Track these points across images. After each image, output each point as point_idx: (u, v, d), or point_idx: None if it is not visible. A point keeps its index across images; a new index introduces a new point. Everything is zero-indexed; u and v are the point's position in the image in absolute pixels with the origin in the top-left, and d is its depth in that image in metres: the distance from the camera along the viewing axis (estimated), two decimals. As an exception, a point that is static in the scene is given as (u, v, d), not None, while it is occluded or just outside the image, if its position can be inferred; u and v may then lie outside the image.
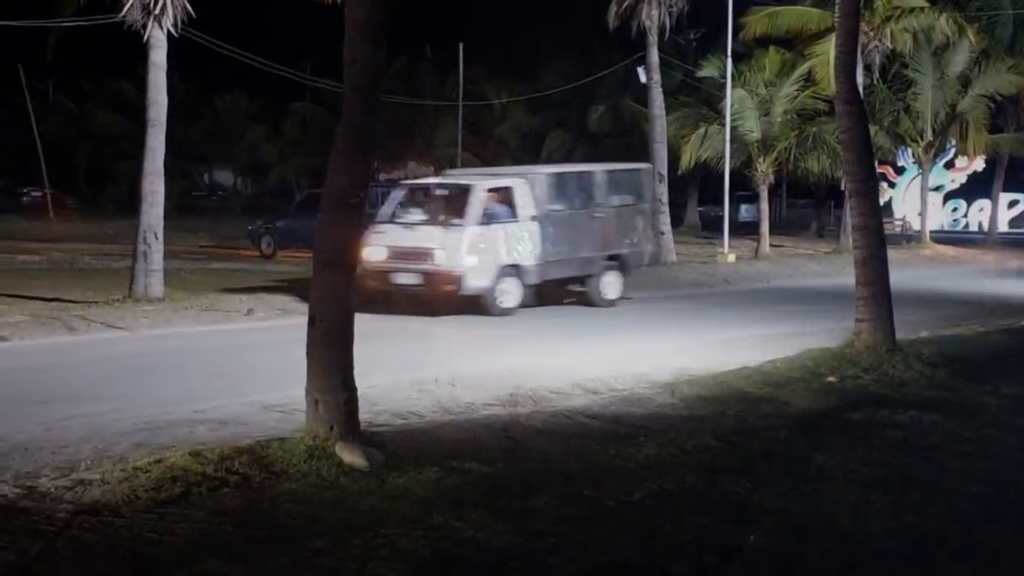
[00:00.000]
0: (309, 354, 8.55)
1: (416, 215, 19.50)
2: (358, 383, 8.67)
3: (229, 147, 59.74)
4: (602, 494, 7.45)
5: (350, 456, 8.06)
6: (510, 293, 18.65)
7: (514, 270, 18.70)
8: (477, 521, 6.73)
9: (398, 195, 20.52)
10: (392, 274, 18.40)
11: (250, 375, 12.74)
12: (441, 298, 18.29)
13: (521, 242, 18.77)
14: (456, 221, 18.51)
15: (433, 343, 15.93)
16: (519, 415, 10.26)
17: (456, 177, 21.87)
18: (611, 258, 20.48)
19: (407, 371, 12.56)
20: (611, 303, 20.14)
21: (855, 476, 7.95)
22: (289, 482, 7.60)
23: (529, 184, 19.25)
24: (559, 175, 20.76)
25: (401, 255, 18.41)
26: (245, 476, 7.65)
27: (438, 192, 20.37)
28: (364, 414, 8.98)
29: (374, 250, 18.13)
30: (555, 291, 20.05)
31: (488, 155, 56.35)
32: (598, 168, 22.12)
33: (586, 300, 20.18)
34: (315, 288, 8.67)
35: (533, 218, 19.08)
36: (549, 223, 19.32)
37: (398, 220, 19.34)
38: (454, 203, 19.06)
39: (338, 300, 8.59)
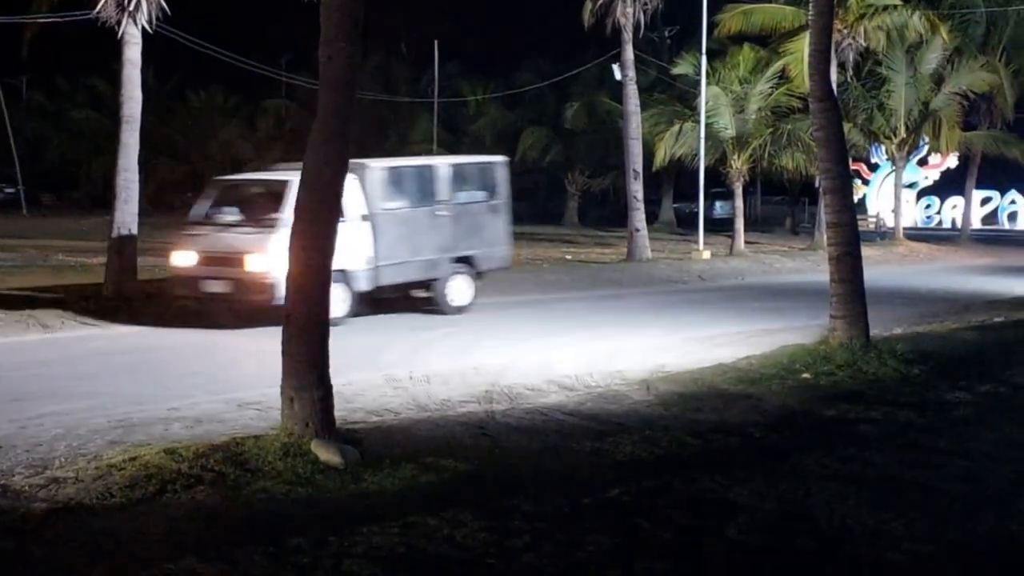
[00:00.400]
0: (284, 351, 8.54)
1: (230, 215, 17.35)
2: (333, 380, 8.68)
3: (204, 144, 59.43)
4: (579, 491, 7.46)
5: (325, 453, 8.06)
6: (336, 302, 15.72)
7: (340, 276, 15.67)
8: (453, 519, 6.72)
9: (213, 192, 18.43)
10: (201, 281, 16.67)
11: (226, 373, 12.70)
12: (252, 307, 16.12)
13: (349, 244, 15.68)
14: (270, 221, 16.23)
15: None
16: (495, 412, 10.26)
17: (274, 172, 19.31)
18: (459, 260, 18.70)
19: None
20: (460, 309, 18.44)
21: (830, 472, 7.99)
22: (264, 480, 7.59)
23: (358, 179, 16.89)
24: (394, 169, 18.81)
25: (211, 260, 16.65)
26: (220, 474, 7.63)
27: (254, 189, 18.59)
28: (339, 411, 8.98)
29: (182, 254, 16.90)
30: (397, 297, 18.32)
31: (464, 151, 56.37)
32: (442, 161, 20.64)
33: (432, 306, 18.39)
34: (290, 286, 8.65)
35: (364, 217, 17.23)
36: (383, 223, 17.59)
37: (211, 221, 17.34)
38: (270, 201, 16.91)
39: (313, 297, 8.58)
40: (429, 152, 50.66)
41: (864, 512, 7.03)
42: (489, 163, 20.88)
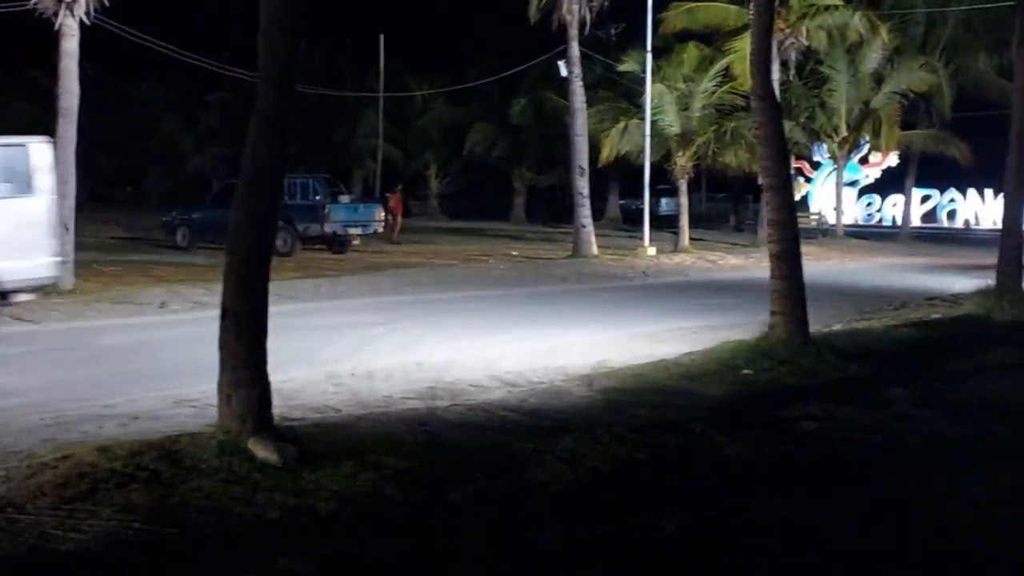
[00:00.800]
0: (221, 347, 8.42)
1: None
2: (273, 377, 8.59)
3: (145, 137, 58.85)
4: (520, 488, 7.43)
5: (263, 451, 7.96)
6: None
7: None
8: (392, 517, 6.66)
9: None
10: None
11: (162, 369, 12.55)
12: None
13: None
14: None
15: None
16: (437, 408, 10.21)
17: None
18: None
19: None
20: None
21: (768, 468, 8.02)
22: (200, 478, 7.46)
23: None
24: None
25: None
26: (155, 472, 7.51)
27: None
28: (279, 408, 8.88)
29: None
30: None
31: (410, 146, 56.26)
32: None
33: None
34: (227, 280, 8.53)
35: None
36: None
37: None
38: None
39: (251, 292, 8.48)
40: (375, 147, 50.58)
41: (800, 508, 7.06)
42: (14, 147, 16.44)
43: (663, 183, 43.46)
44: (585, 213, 30.76)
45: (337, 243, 31.07)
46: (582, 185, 30.99)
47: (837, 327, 15.80)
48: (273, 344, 8.61)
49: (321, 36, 51.63)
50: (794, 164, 48.20)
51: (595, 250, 30.80)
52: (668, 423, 9.45)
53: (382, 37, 50.50)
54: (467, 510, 6.96)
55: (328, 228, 30.52)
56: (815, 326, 14.00)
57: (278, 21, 8.44)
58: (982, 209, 49.40)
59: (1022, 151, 18.62)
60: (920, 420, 9.72)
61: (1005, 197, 19.64)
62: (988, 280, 18.60)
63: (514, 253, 31.58)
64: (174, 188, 57.62)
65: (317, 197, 31.00)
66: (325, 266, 25.65)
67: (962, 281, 21.20)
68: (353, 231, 31.55)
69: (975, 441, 9.10)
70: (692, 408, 10.12)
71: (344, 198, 32.01)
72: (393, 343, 14.68)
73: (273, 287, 8.84)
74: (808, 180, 51.43)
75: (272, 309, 8.61)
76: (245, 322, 8.41)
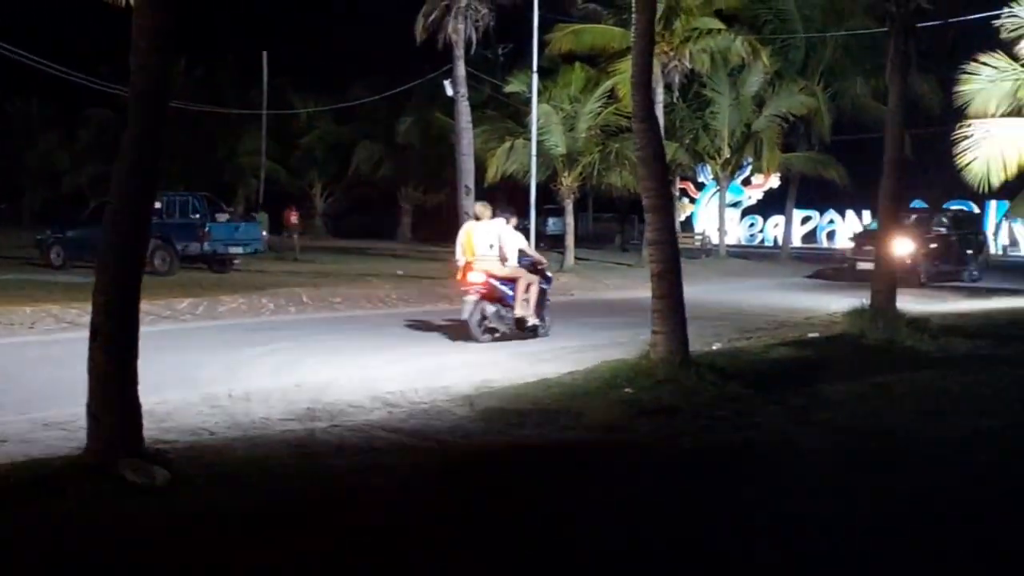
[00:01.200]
0: (90, 369, 8.20)
1: None
2: (147, 399, 8.39)
3: (21, 154, 57.50)
4: (393, 511, 7.36)
5: (133, 475, 7.75)
6: None
7: None
8: (259, 542, 6.55)
9: None
10: None
11: (33, 391, 12.16)
12: None
13: None
14: None
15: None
16: (315, 430, 10.06)
17: None
18: None
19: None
20: None
21: (642, 489, 8.05)
22: (67, 503, 7.25)
23: None
24: None
25: None
26: (20, 497, 7.28)
27: None
28: (151, 431, 8.68)
29: None
30: None
31: (294, 164, 55.76)
32: None
33: None
34: (97, 299, 8.31)
35: None
36: None
37: None
38: None
39: (121, 312, 8.27)
40: (258, 165, 49.98)
41: (675, 527, 7.09)
42: None
43: (550, 203, 43.73)
44: (471, 233, 30.73)
45: (218, 262, 30.60)
46: (468, 204, 30.99)
47: (718, 346, 15.97)
48: (148, 365, 8.43)
49: (203, 52, 51.04)
50: (679, 185, 48.99)
51: (482, 269, 30.76)
52: (548, 443, 9.45)
53: (265, 54, 50.01)
54: (326, 538, 6.86)
55: (208, 247, 30.05)
56: (697, 345, 14.13)
57: (150, 35, 8.28)
58: (860, 230, 50.53)
59: (895, 174, 19.07)
60: (796, 437, 9.85)
61: (879, 219, 20.07)
62: (863, 300, 18.97)
63: (400, 272, 31.41)
64: (50, 206, 56.40)
65: (197, 215, 30.52)
66: (205, 285, 25.21)
67: (840, 301, 21.56)
68: (234, 250, 31.10)
69: (844, 453, 9.26)
70: (572, 427, 10.14)
71: (222, 216, 31.48)
72: (272, 364, 14.45)
73: (150, 307, 8.68)
74: (692, 201, 52.27)
75: (149, 329, 8.46)
76: (115, 342, 8.20)
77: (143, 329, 8.54)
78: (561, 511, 7.41)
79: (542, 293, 17.36)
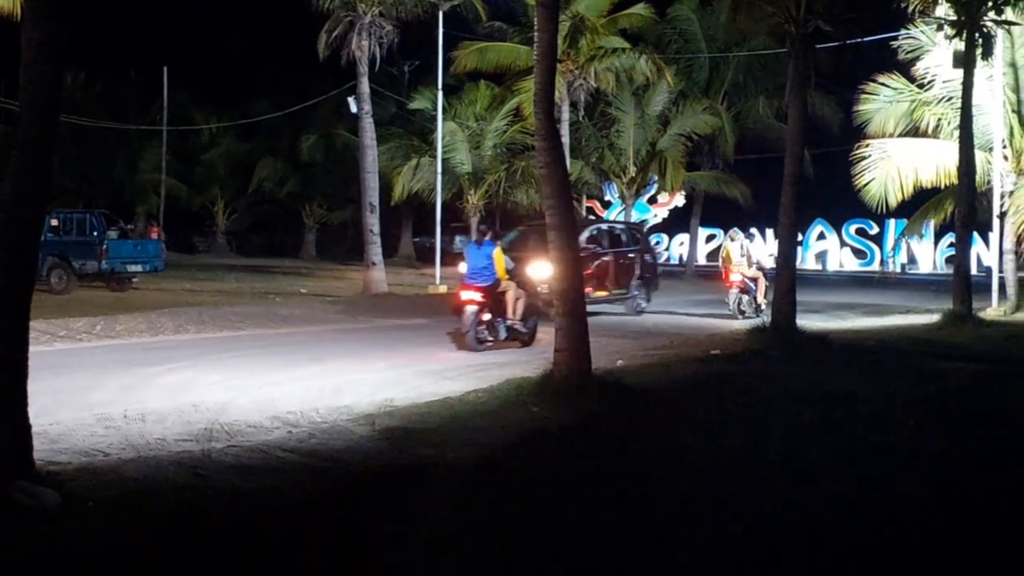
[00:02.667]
0: (-24, 389, 7.95)
1: None
2: (39, 420, 8.16)
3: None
4: (284, 533, 7.25)
5: (22, 497, 7.53)
6: None
7: None
8: (150, 568, 6.38)
9: None
10: None
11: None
12: None
13: None
14: None
15: None
16: (212, 451, 9.86)
17: None
18: None
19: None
20: None
21: (540, 509, 8.01)
22: (-50, 527, 7.03)
23: None
24: None
25: None
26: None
27: None
28: (43, 452, 8.50)
29: None
30: None
31: (195, 181, 55.06)
32: None
33: None
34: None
35: None
36: None
37: None
38: None
39: (9, 330, 8.03)
40: (158, 181, 49.22)
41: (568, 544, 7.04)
42: None
43: (456, 221, 43.72)
44: (376, 250, 30.59)
45: (116, 280, 30.05)
46: (373, 222, 30.83)
47: (622, 363, 16.01)
48: (42, 385, 8.22)
49: (104, 67, 50.24)
50: (585, 203, 49.23)
51: (386, 287, 30.65)
52: (447, 461, 9.38)
53: (166, 69, 49.34)
54: (223, 561, 6.74)
55: (107, 265, 29.50)
56: (601, 363, 14.15)
57: (38, 48, 8.08)
58: (763, 248, 51.15)
59: (794, 193, 19.33)
60: (693, 453, 9.88)
61: (779, 237, 20.33)
62: (764, 317, 19.18)
63: (303, 291, 31.14)
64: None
65: (95, 233, 29.96)
66: (103, 304, 24.75)
67: (742, 319, 21.82)
68: (133, 268, 30.57)
69: (740, 464, 9.32)
70: (472, 446, 10.06)
71: (112, 232, 30.88)
72: (170, 383, 14.16)
73: (46, 326, 8.48)
74: (599, 219, 52.48)
75: (44, 349, 8.25)
76: (3, 361, 7.96)
77: (38, 348, 8.34)
78: (458, 529, 7.35)
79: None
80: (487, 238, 19.04)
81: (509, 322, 18.60)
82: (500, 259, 18.56)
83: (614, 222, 35.75)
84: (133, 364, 15.92)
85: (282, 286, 32.42)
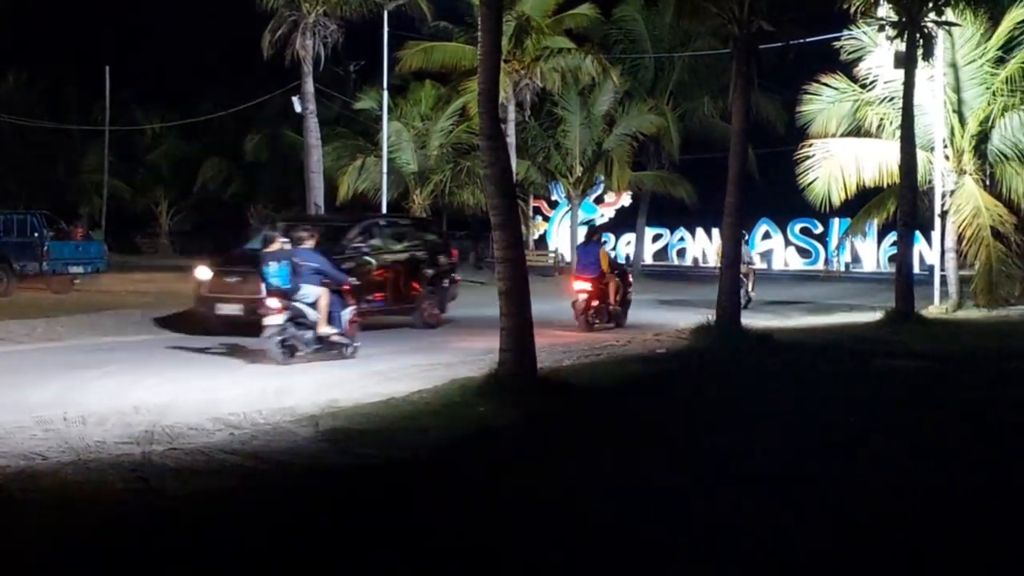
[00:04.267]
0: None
1: None
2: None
3: None
4: (225, 537, 7.20)
5: (-45, 502, 7.44)
6: None
7: None
8: (90, 571, 6.30)
9: None
10: None
11: None
12: None
13: None
14: None
15: None
16: (152, 454, 9.75)
17: None
18: None
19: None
20: None
21: (480, 508, 8.01)
22: None
23: None
24: None
25: None
26: None
27: None
28: (-23, 457, 8.33)
29: None
30: None
31: (140, 182, 54.51)
32: None
33: None
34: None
35: None
36: None
37: None
38: None
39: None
40: (100, 182, 48.67)
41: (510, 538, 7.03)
42: None
43: (403, 221, 43.56)
44: (321, 251, 30.35)
45: (58, 282, 29.67)
46: (319, 223, 30.62)
47: (568, 363, 16.01)
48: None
49: (45, 67, 49.60)
50: (533, 203, 49.30)
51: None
52: (392, 462, 9.35)
53: (108, 68, 48.78)
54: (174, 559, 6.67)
55: (48, 266, 29.14)
56: (548, 362, 14.15)
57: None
58: (709, 247, 51.51)
59: (738, 193, 19.44)
60: (639, 455, 9.90)
61: (723, 236, 20.42)
62: (709, 316, 19.28)
63: (248, 291, 30.84)
64: None
65: (36, 234, 29.57)
66: (44, 306, 24.44)
67: (688, 316, 21.89)
68: (75, 269, 30.21)
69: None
70: (417, 447, 10.03)
71: (49, 232, 30.45)
72: (111, 386, 13.99)
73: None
74: (546, 219, 52.58)
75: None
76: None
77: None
78: (397, 531, 7.32)
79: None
80: (594, 239, 23.53)
81: (611, 307, 22.23)
82: (604, 257, 22.52)
83: (397, 216, 30.60)
84: (74, 366, 15.73)
85: (227, 287, 32.13)
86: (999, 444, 10.58)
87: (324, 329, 16.65)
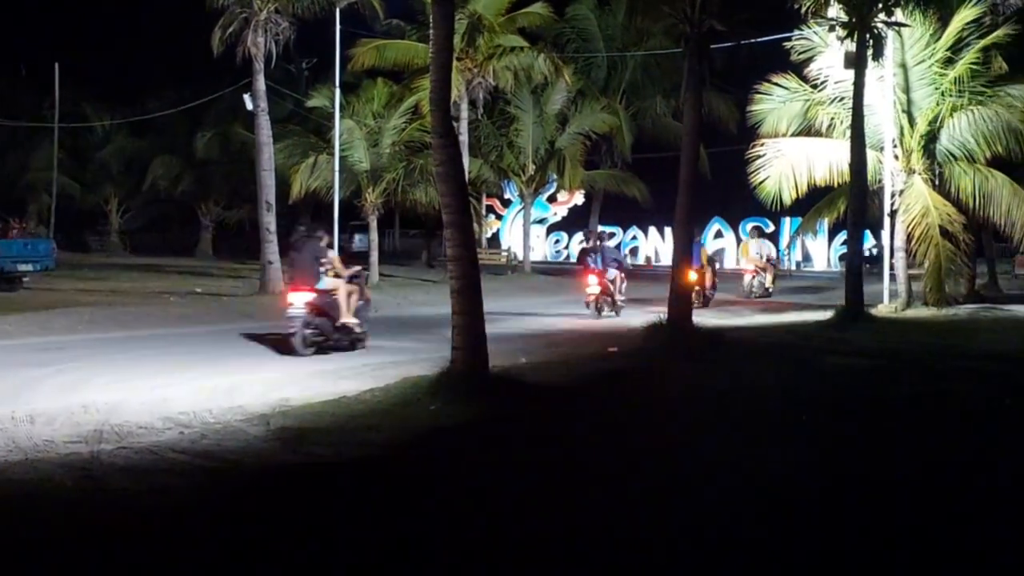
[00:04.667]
0: None
1: None
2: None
3: None
4: (174, 535, 7.17)
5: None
6: None
7: None
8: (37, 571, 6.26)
9: None
10: None
11: None
12: None
13: None
14: None
15: None
16: (101, 452, 9.67)
17: None
18: None
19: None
20: None
21: (439, 506, 8.01)
22: None
23: None
24: None
25: None
26: None
27: None
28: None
29: None
30: None
31: (88, 179, 53.96)
32: None
33: None
34: None
35: None
36: None
37: None
38: None
39: None
40: (49, 180, 48.12)
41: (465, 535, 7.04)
42: None
43: (355, 220, 43.46)
44: (272, 249, 30.23)
45: (6, 280, 29.32)
46: (269, 221, 30.48)
47: (524, 360, 16.03)
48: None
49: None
50: (486, 202, 49.30)
51: (283, 287, 30.30)
52: (341, 461, 9.35)
53: (57, 65, 48.25)
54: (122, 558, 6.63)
55: (-6, 264, 28.80)
56: (500, 360, 14.15)
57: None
58: (662, 246, 51.76)
59: (689, 192, 19.53)
60: (589, 451, 9.94)
61: (674, 236, 20.52)
62: (661, 316, 19.36)
63: (198, 290, 30.69)
64: None
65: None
66: (-9, 304, 24.18)
67: (640, 316, 21.97)
68: (24, 267, 29.86)
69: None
70: (366, 446, 10.02)
71: None
72: (60, 384, 13.87)
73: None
74: (499, 217, 52.63)
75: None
76: None
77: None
78: (349, 528, 7.31)
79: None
80: (696, 240, 26.74)
81: (708, 293, 28.51)
82: (705, 253, 29.49)
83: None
84: (22, 365, 15.59)
85: (177, 285, 31.92)
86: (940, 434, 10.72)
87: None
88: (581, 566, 6.69)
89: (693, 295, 23.47)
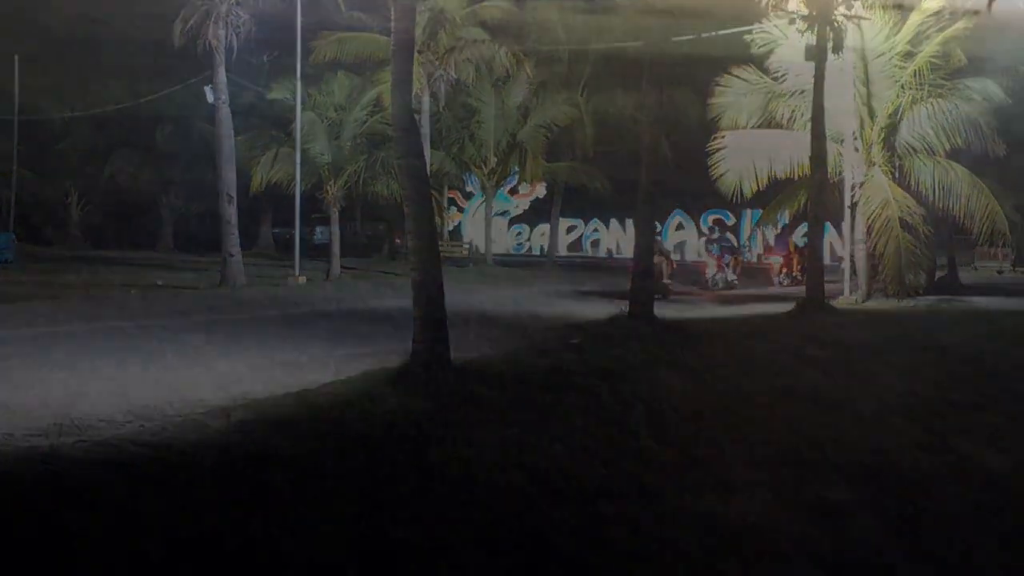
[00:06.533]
0: None
1: None
2: None
3: None
4: (134, 529, 7.15)
5: None
6: None
7: None
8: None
9: None
10: None
11: None
12: None
13: None
14: None
15: None
16: (61, 446, 9.60)
17: None
18: None
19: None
20: None
21: (393, 502, 8.04)
22: None
23: None
24: None
25: None
26: None
27: None
28: None
29: None
30: None
31: (48, 171, 53.48)
32: None
33: None
34: None
35: None
36: None
37: None
38: None
39: None
40: (9, 171, 47.69)
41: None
42: None
43: (319, 212, 43.33)
44: (233, 242, 30.14)
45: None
46: (230, 213, 30.38)
47: (485, 352, 16.04)
48: None
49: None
50: (447, 194, 49.26)
51: (244, 279, 30.24)
52: (302, 454, 9.34)
53: (17, 57, 47.77)
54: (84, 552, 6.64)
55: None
56: (461, 352, 14.15)
57: None
58: (623, 238, 51.91)
59: (651, 184, 19.61)
60: (550, 441, 9.99)
61: (636, 228, 20.60)
62: (622, 307, 19.44)
63: (159, 283, 30.53)
64: None
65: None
66: (-51, 298, 23.95)
67: (601, 307, 22.05)
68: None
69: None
70: (327, 438, 10.01)
71: None
72: (15, 378, 13.73)
73: None
74: (461, 210, 52.64)
75: None
76: None
77: None
78: (312, 520, 7.31)
79: None
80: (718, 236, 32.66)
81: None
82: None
83: None
84: (-23, 358, 15.46)
85: (138, 278, 31.73)
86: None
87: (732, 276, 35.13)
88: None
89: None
